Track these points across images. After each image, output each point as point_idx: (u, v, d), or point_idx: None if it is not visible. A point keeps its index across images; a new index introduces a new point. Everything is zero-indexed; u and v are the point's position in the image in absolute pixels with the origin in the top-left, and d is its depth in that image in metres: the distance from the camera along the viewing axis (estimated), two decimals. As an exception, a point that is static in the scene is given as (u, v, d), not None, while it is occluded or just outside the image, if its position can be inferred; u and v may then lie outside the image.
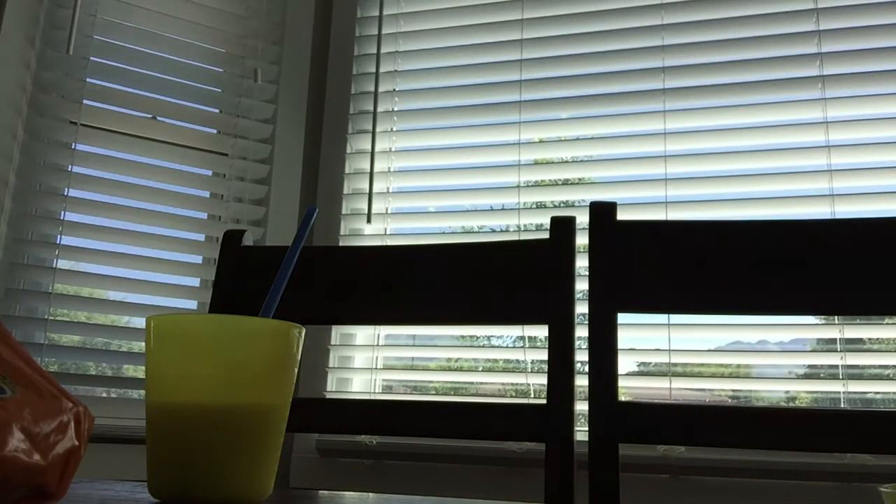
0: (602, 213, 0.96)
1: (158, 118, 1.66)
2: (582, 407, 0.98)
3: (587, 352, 0.92)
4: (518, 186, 1.59)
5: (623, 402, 0.90)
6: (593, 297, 0.93)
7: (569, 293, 0.94)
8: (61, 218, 1.53)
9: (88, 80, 1.59)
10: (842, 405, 1.33)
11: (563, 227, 0.96)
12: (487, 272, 0.99)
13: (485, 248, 1.02)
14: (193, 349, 0.46)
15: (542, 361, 1.48)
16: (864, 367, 1.36)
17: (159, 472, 0.45)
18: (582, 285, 0.99)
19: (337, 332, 1.61)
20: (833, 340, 1.36)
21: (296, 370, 0.48)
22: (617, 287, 0.93)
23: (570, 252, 0.96)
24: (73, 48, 1.57)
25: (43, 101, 1.55)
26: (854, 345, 1.37)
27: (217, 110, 1.72)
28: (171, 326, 0.48)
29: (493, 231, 1.62)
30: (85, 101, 1.58)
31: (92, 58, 1.60)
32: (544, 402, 0.92)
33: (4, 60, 1.50)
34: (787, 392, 1.47)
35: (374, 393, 1.59)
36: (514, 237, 1.55)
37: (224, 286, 1.04)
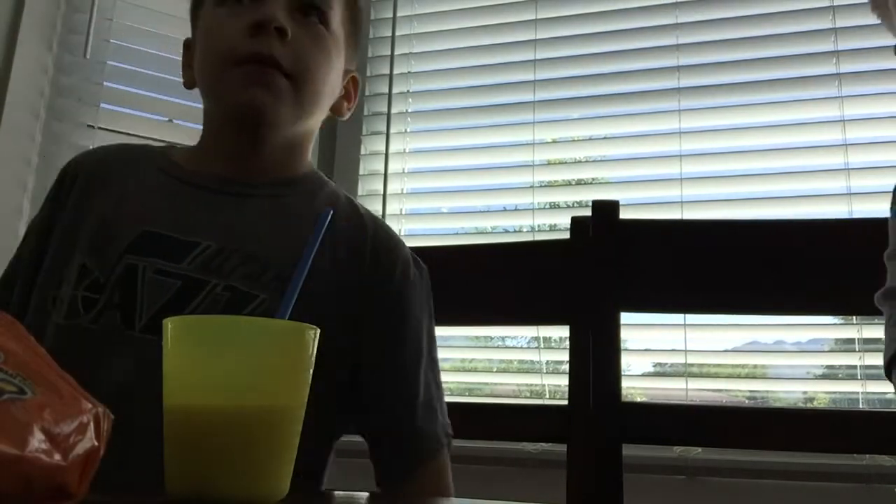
0: (604, 211, 0.95)
1: (174, 121, 1.68)
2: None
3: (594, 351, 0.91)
4: (532, 187, 1.59)
5: (626, 402, 0.90)
6: (596, 296, 0.92)
7: (589, 293, 0.93)
8: (79, 220, 1.55)
9: (105, 83, 1.61)
10: (860, 406, 1.32)
11: (582, 228, 0.96)
12: (507, 273, 0.99)
13: (504, 249, 1.02)
14: (209, 351, 0.46)
15: (556, 362, 1.47)
16: (882, 367, 1.35)
17: (176, 472, 0.45)
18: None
19: (352, 333, 1.62)
20: (851, 340, 1.35)
21: (311, 371, 0.49)
22: (620, 286, 0.93)
23: (589, 252, 0.95)
24: (90, 52, 1.59)
25: (61, 105, 1.57)
26: (873, 345, 1.36)
27: (232, 113, 1.73)
28: (187, 328, 0.48)
29: (507, 231, 1.62)
30: (102, 105, 1.60)
31: (109, 62, 1.62)
32: (565, 402, 0.92)
33: (22, 65, 1.52)
34: (804, 392, 1.46)
35: (389, 394, 1.59)
36: (528, 237, 1.55)
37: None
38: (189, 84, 0.89)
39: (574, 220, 0.97)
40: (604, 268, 0.93)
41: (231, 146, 0.83)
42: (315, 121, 0.86)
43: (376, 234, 0.82)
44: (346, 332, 0.77)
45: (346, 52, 0.88)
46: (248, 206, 0.81)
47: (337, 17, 0.85)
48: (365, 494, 0.71)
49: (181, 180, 0.82)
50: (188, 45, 0.90)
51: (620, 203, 0.96)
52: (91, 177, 0.85)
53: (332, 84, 0.85)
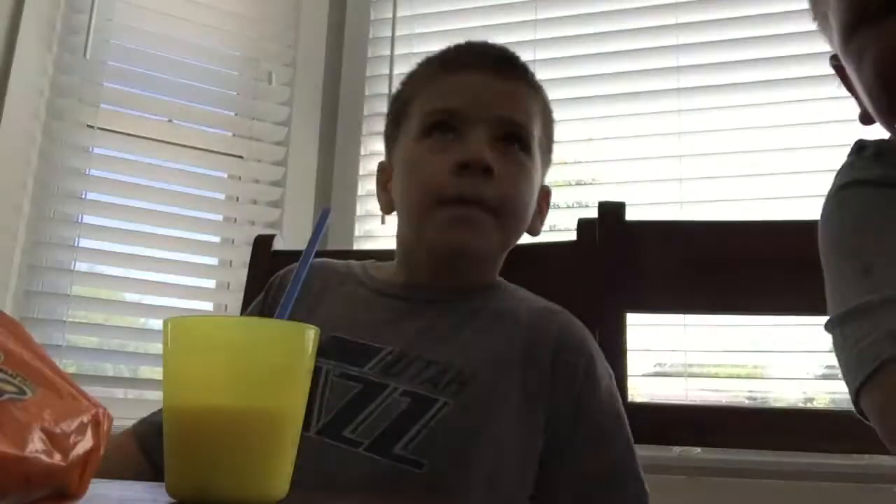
0: (610, 213, 0.95)
1: (174, 121, 1.68)
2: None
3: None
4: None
5: (633, 402, 0.90)
6: (603, 297, 0.92)
7: (596, 294, 0.93)
8: (79, 221, 1.55)
9: (105, 84, 1.61)
10: (860, 406, 1.32)
11: (588, 229, 0.96)
12: (512, 273, 0.99)
13: (509, 250, 1.01)
14: (210, 351, 0.46)
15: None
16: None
17: (177, 472, 0.45)
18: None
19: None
20: (851, 340, 1.35)
21: (311, 371, 0.49)
22: (626, 287, 0.93)
23: (595, 253, 0.95)
24: (90, 52, 1.59)
25: (60, 105, 1.57)
26: (872, 345, 1.36)
27: (232, 113, 1.73)
28: (187, 328, 0.48)
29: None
30: (102, 105, 1.60)
31: (108, 62, 1.62)
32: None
33: (22, 65, 1.52)
34: (804, 392, 1.46)
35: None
36: (527, 238, 1.55)
37: (255, 290, 1.04)
38: (387, 210, 0.91)
39: (581, 221, 0.97)
40: (610, 269, 0.93)
41: (429, 269, 0.85)
42: (512, 244, 0.87)
43: (559, 347, 0.79)
44: (527, 431, 0.76)
45: (541, 167, 0.89)
46: (434, 312, 0.82)
47: (535, 139, 0.86)
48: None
49: (372, 290, 0.85)
50: (383, 169, 0.92)
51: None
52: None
53: (531, 209, 0.86)
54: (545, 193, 0.92)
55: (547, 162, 0.91)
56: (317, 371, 0.74)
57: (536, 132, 0.86)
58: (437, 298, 0.83)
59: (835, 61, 0.71)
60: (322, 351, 0.76)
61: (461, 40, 1.74)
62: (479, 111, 0.81)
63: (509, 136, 0.83)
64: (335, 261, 0.93)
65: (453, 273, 0.84)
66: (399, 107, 0.90)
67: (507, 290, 0.87)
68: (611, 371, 0.82)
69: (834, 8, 0.64)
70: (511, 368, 0.77)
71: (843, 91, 1.41)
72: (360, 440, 0.72)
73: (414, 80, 0.90)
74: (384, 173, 0.91)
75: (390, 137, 0.91)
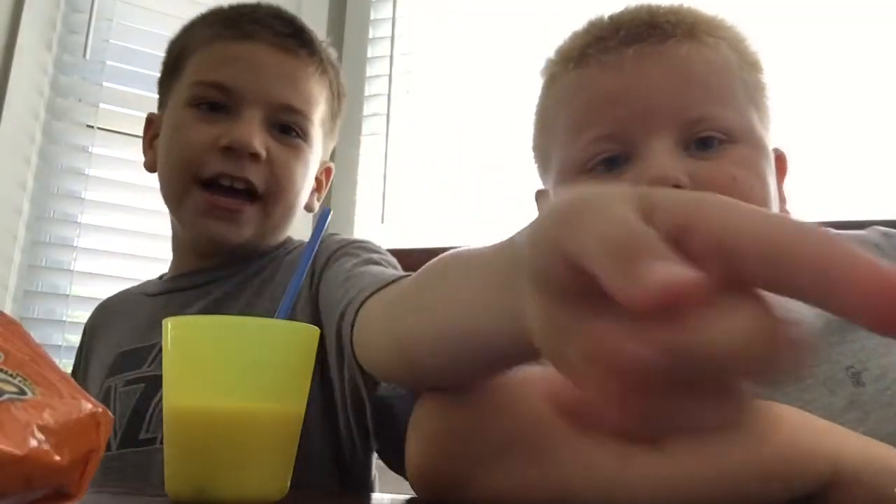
0: None
1: (174, 121, 1.67)
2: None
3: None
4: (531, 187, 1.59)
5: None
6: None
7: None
8: (78, 221, 1.55)
9: (105, 83, 1.61)
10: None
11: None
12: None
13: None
14: (210, 351, 0.46)
15: (556, 362, 1.47)
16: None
17: (176, 472, 0.45)
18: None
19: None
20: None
21: (311, 371, 0.49)
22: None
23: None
24: (90, 52, 1.59)
25: (60, 105, 1.57)
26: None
27: (232, 113, 1.73)
28: (187, 328, 0.48)
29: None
30: (102, 105, 1.60)
31: (108, 62, 1.62)
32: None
33: (22, 65, 1.52)
34: (804, 393, 1.46)
35: (389, 394, 1.59)
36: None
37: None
38: (150, 168, 0.84)
39: None
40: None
41: (194, 253, 0.83)
42: (286, 223, 0.83)
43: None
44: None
45: (323, 145, 0.83)
46: (215, 292, 0.80)
47: (317, 124, 0.80)
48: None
49: (147, 295, 0.84)
50: (151, 121, 0.86)
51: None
52: (93, 328, 0.90)
53: (305, 191, 0.81)
54: (326, 169, 0.88)
55: (331, 138, 0.86)
56: (108, 391, 0.76)
57: (318, 115, 0.80)
58: (203, 281, 0.80)
59: (540, 194, 0.72)
60: (111, 371, 0.77)
61: (461, 40, 1.75)
62: (255, 93, 0.75)
63: (285, 126, 0.77)
64: (122, 290, 0.92)
65: (221, 255, 0.80)
66: (174, 58, 0.84)
67: (295, 246, 0.82)
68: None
69: (560, 150, 0.64)
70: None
71: None
72: (155, 435, 0.71)
73: (193, 33, 0.83)
74: (152, 126, 0.85)
75: (163, 88, 0.85)
